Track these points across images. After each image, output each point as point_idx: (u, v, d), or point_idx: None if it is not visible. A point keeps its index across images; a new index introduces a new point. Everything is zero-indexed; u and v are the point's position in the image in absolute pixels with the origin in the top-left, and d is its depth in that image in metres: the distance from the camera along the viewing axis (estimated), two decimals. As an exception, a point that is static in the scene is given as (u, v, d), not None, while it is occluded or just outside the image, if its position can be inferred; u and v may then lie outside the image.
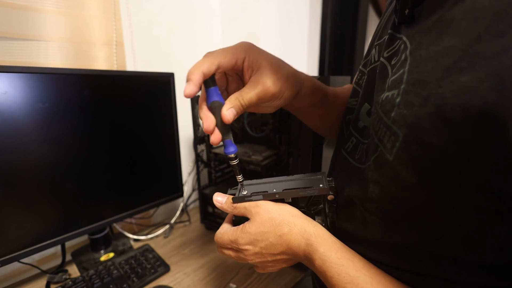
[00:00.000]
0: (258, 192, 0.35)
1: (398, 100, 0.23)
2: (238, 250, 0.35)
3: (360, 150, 0.31)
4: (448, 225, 0.22)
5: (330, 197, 0.34)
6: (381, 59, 0.29)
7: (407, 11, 0.25)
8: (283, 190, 0.34)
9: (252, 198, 0.35)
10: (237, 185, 0.37)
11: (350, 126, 0.36)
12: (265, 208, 0.33)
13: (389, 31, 0.29)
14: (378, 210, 0.27)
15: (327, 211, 0.35)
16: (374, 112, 0.27)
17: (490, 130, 0.17)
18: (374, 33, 0.36)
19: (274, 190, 0.35)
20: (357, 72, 0.38)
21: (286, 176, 0.39)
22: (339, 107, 0.43)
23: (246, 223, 0.34)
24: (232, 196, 0.36)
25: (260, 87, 0.31)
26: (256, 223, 0.33)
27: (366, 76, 0.33)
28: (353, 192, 0.30)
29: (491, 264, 0.21)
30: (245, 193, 0.36)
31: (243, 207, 0.35)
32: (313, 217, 0.35)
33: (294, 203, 0.35)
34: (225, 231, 0.36)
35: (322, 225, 0.34)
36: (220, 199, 0.37)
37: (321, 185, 0.33)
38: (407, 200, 0.24)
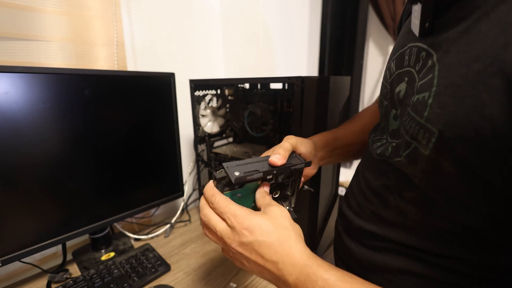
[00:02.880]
0: (252, 172, 0.34)
1: (430, 101, 0.25)
2: (230, 228, 0.31)
3: (390, 148, 0.34)
4: (480, 210, 0.25)
5: (301, 169, 0.39)
6: (405, 68, 0.32)
7: (427, 24, 0.28)
8: (271, 167, 0.36)
9: (254, 176, 0.34)
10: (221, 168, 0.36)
11: (379, 130, 0.40)
12: (283, 215, 0.32)
13: (409, 45, 0.32)
14: (416, 199, 0.30)
15: (295, 183, 0.40)
16: (403, 114, 0.30)
17: None
18: (390, 55, 0.40)
19: (263, 168, 0.35)
20: (381, 86, 0.42)
21: (259, 157, 0.38)
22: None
23: (258, 213, 0.31)
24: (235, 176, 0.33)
25: (289, 138, 0.42)
26: (269, 217, 0.31)
27: (389, 87, 0.36)
28: (390, 182, 0.33)
29: None
30: (237, 174, 0.33)
31: (268, 202, 0.33)
32: (285, 187, 0.40)
33: (274, 177, 0.38)
34: (227, 201, 0.32)
35: (290, 210, 0.39)
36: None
37: (299, 161, 0.38)
38: (444, 189, 0.26)
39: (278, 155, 0.36)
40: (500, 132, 0.21)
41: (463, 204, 0.26)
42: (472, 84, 0.22)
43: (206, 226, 0.33)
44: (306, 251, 0.30)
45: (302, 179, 0.45)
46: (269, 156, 0.37)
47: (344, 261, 0.42)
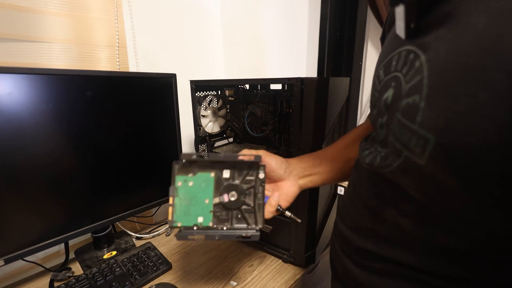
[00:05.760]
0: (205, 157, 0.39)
1: (422, 104, 0.23)
2: None
3: (379, 157, 0.31)
4: (490, 225, 0.22)
5: (261, 175, 0.38)
6: (392, 73, 0.30)
7: (412, 25, 0.26)
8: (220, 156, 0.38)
9: (195, 156, 0.38)
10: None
11: (370, 139, 0.37)
12: None
13: (398, 49, 0.30)
14: (414, 213, 0.27)
15: (256, 190, 0.39)
16: (392, 121, 0.28)
17: None
18: (377, 63, 0.38)
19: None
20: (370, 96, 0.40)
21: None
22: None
23: None
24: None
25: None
26: None
27: (378, 95, 0.34)
28: (384, 195, 0.31)
29: None
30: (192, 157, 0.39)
31: None
32: (244, 193, 0.39)
33: (232, 177, 0.39)
34: None
35: (250, 206, 0.39)
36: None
37: (253, 158, 0.38)
38: (445, 202, 0.24)
39: (242, 155, 0.39)
40: (508, 134, 0.18)
41: (469, 218, 0.23)
42: (465, 81, 0.20)
43: None
44: None
45: (283, 200, 0.44)
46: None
47: (345, 283, 0.38)
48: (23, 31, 0.60)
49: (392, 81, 0.29)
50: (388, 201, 0.30)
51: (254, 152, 0.43)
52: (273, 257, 0.68)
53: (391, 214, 0.29)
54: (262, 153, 0.44)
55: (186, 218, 0.38)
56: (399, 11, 0.26)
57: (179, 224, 0.38)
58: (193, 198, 0.38)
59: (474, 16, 0.21)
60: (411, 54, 0.26)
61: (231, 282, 0.60)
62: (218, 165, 0.39)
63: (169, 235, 0.79)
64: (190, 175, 0.38)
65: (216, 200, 0.38)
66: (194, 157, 0.38)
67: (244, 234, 0.38)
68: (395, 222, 0.29)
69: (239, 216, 0.39)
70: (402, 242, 0.29)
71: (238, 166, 0.39)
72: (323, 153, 0.51)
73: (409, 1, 0.25)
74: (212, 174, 0.38)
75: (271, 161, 0.44)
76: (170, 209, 0.38)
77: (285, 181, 0.46)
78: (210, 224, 0.38)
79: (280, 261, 0.67)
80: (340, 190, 0.97)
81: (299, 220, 0.46)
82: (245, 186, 0.39)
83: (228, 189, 0.39)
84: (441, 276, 0.26)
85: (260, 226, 0.39)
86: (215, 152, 0.41)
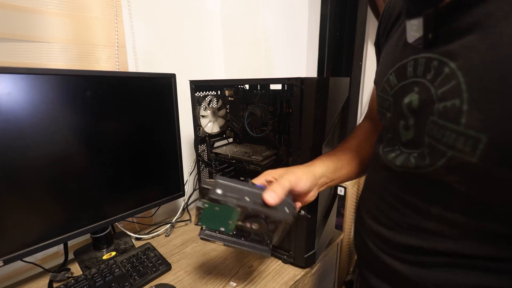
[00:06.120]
0: (231, 197, 0.38)
1: (465, 107, 0.25)
2: None
3: (413, 159, 0.32)
4: None
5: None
6: (411, 79, 0.31)
7: (430, 35, 0.28)
8: (254, 204, 0.38)
9: (228, 203, 0.37)
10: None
11: (386, 141, 0.38)
12: None
13: (412, 57, 0.31)
14: (464, 207, 0.28)
15: (281, 227, 0.40)
16: (424, 123, 0.29)
17: None
18: (379, 68, 0.39)
19: (247, 198, 0.38)
20: (377, 99, 0.41)
21: (256, 185, 0.42)
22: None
23: None
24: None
25: (289, 175, 0.43)
26: None
27: (392, 100, 0.35)
28: (427, 193, 0.32)
29: None
30: (219, 192, 0.38)
31: None
32: (267, 226, 0.39)
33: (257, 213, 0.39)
34: None
35: (271, 235, 0.40)
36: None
37: (287, 211, 0.39)
38: (498, 193, 0.26)
39: (273, 194, 0.38)
40: None
41: None
42: (510, 86, 0.22)
43: None
44: None
45: (300, 204, 0.46)
46: (263, 189, 0.39)
47: (387, 279, 0.38)
48: (23, 31, 0.59)
49: (414, 86, 0.31)
50: (431, 198, 0.31)
51: (287, 184, 0.41)
52: (272, 258, 0.68)
53: (437, 209, 0.31)
54: (293, 179, 0.42)
55: (210, 224, 0.41)
56: (415, 23, 0.29)
57: (203, 227, 0.41)
58: (217, 217, 0.39)
59: (507, 27, 0.23)
60: (434, 61, 0.28)
61: (231, 282, 0.60)
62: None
63: (168, 235, 0.79)
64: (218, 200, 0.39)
65: (239, 223, 0.40)
66: (219, 195, 0.38)
67: (259, 252, 0.42)
68: (442, 217, 0.30)
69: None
70: (451, 235, 0.30)
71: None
72: (342, 157, 0.51)
73: (428, 14, 0.27)
74: (239, 209, 0.38)
75: (301, 185, 0.44)
76: (195, 216, 0.40)
77: (309, 192, 0.47)
78: (231, 233, 0.42)
79: (280, 261, 0.67)
80: (340, 191, 0.97)
81: (309, 216, 0.51)
82: (269, 222, 0.40)
83: (253, 221, 0.40)
84: (498, 259, 0.28)
85: (274, 243, 0.42)
86: (242, 179, 0.41)
